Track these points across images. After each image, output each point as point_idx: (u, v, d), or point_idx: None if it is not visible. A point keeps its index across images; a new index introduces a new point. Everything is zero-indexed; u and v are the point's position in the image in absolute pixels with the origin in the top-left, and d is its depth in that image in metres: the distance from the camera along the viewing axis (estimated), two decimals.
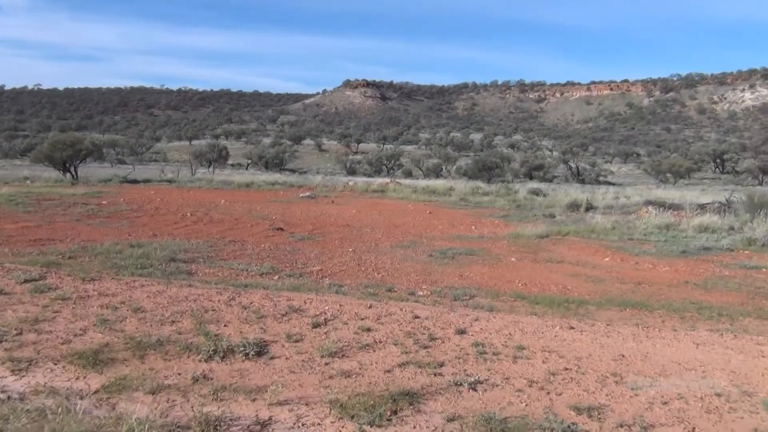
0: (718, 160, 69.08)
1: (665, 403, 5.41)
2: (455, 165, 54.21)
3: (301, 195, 26.02)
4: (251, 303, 8.03)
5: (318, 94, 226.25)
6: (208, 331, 6.75)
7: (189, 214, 17.92)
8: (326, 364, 6.07)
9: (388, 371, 5.93)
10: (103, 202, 20.19)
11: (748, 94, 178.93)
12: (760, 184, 51.49)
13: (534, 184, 37.87)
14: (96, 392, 5.23)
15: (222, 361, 6.04)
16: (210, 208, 19.99)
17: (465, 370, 5.99)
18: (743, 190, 30.03)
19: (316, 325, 7.21)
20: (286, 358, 6.20)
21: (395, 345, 6.64)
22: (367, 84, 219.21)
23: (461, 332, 7.14)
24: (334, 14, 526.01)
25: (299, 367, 5.97)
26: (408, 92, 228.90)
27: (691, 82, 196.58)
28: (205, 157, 50.34)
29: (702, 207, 21.49)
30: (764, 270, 12.37)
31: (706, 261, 13.34)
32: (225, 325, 7.11)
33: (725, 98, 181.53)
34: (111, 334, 6.66)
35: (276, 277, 10.12)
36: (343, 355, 6.31)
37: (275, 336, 6.82)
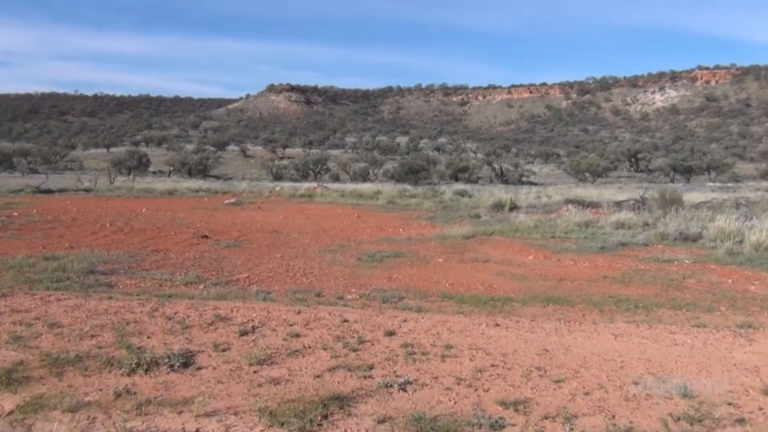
0: (632, 159, 72.14)
1: (587, 393, 5.61)
2: (382, 168, 54.51)
3: (226, 202, 25.57)
4: (176, 313, 7.83)
5: (242, 99, 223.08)
6: (130, 344, 6.53)
7: (108, 224, 17.30)
8: (255, 372, 5.98)
9: (318, 376, 5.90)
10: (15, 214, 19.22)
11: (658, 96, 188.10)
12: (672, 181, 54.17)
13: (460, 186, 38.51)
14: (10, 413, 4.97)
15: (146, 374, 5.86)
16: (131, 217, 19.36)
17: (395, 372, 6.04)
18: (656, 187, 31.48)
19: (243, 333, 7.10)
20: (214, 368, 6.07)
21: (325, 349, 6.62)
22: (292, 88, 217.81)
23: (390, 334, 7.19)
24: (257, 18, 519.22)
25: (227, 377, 5.86)
26: (333, 96, 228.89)
27: (605, 84, 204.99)
28: (124, 164, 48.76)
29: (618, 204, 22.38)
30: (676, 263, 13.01)
31: (623, 256, 13.90)
32: (148, 337, 6.90)
33: (637, 100, 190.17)
34: (25, 351, 6.35)
35: (201, 286, 9.90)
36: (272, 362, 6.23)
37: (201, 346, 6.68)
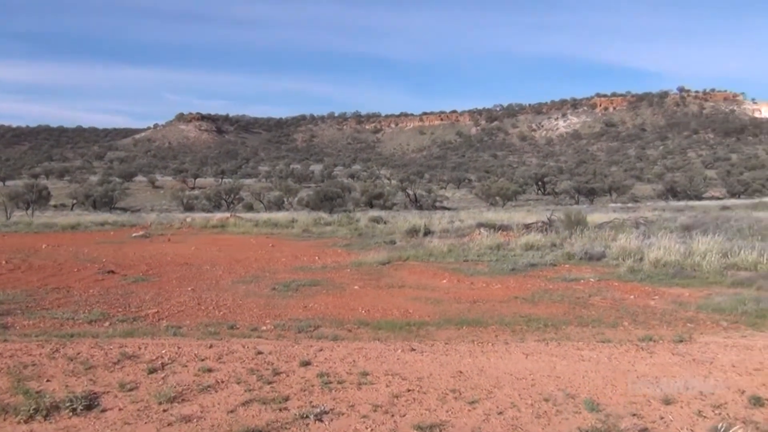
0: (539, 183, 75.03)
1: (500, 413, 5.72)
2: (297, 197, 54.23)
3: (134, 234, 24.65)
4: (78, 353, 7.43)
5: (149, 128, 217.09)
6: (27, 388, 6.14)
7: (4, 262, 16.29)
8: (164, 410, 5.75)
9: (232, 411, 5.74)
10: None
11: (561, 122, 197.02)
12: (577, 203, 56.58)
13: (375, 212, 38.77)
14: None
15: (45, 419, 5.51)
16: (29, 254, 18.32)
17: (311, 402, 5.95)
18: (562, 209, 32.77)
19: (152, 371, 6.82)
20: (120, 409, 5.79)
21: (238, 383, 6.45)
22: (202, 117, 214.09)
23: (306, 364, 7.10)
24: (163, 46, 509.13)
25: (134, 417, 5.60)
26: (245, 125, 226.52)
27: (512, 111, 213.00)
28: (22, 198, 46.16)
29: (527, 227, 23.11)
30: (582, 281, 13.54)
31: (533, 276, 14.35)
32: (48, 380, 6.51)
33: (542, 126, 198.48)
34: None
35: (107, 324, 9.45)
36: (182, 400, 6.01)
37: (107, 386, 6.36)
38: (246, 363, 7.14)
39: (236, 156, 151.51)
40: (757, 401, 5.99)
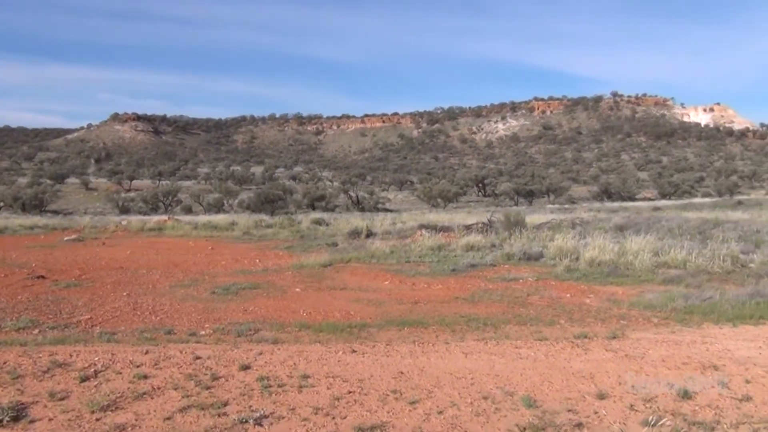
0: (480, 185, 76.10)
1: (440, 412, 5.77)
2: (237, 199, 53.39)
3: (66, 238, 23.79)
4: (5, 363, 7.12)
5: (83, 128, 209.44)
6: None
7: None
8: (97, 419, 5.57)
9: (168, 418, 5.60)
10: None
11: (500, 125, 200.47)
12: (516, 204, 57.70)
13: (317, 214, 38.56)
14: None
15: None
16: None
17: (250, 406, 5.87)
18: (502, 210, 33.35)
19: (84, 379, 6.59)
20: (50, 419, 5.58)
21: (175, 389, 6.30)
22: (138, 118, 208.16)
23: (245, 368, 6.99)
24: (96, 44, 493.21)
25: (65, 427, 5.40)
26: (183, 126, 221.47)
27: (452, 114, 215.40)
28: None
29: (468, 228, 23.41)
30: (521, 281, 13.81)
31: (473, 277, 14.55)
32: None
33: (482, 129, 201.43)
34: None
35: (36, 331, 9.09)
36: (116, 408, 5.83)
37: (36, 396, 6.11)
38: (184, 368, 6.98)
39: (174, 157, 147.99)
40: (685, 394, 6.23)
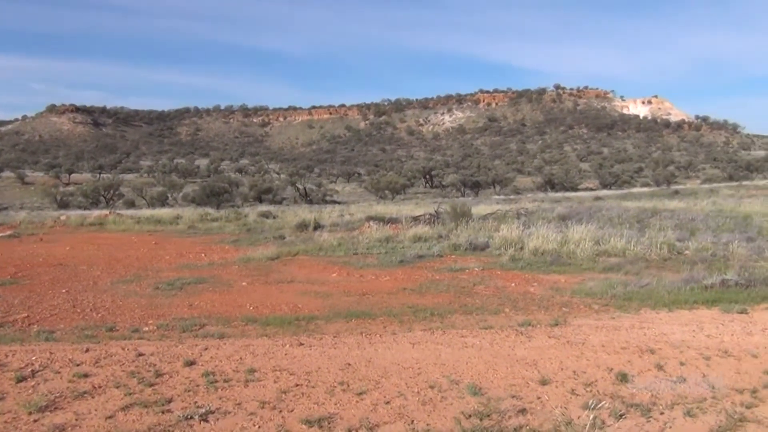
0: (427, 176, 76.60)
1: (388, 402, 5.82)
2: (182, 192, 52.39)
3: (0, 235, 22.92)
4: None
5: (17, 120, 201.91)
6: None
7: None
8: (35, 421, 5.41)
9: (110, 417, 5.48)
10: None
11: (447, 117, 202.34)
12: (462, 195, 58.34)
13: (264, 207, 38.12)
14: None
15: None
16: None
17: (195, 402, 5.80)
18: (449, 201, 33.68)
19: (21, 379, 6.38)
20: None
21: (117, 387, 6.17)
22: (77, 109, 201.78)
23: (190, 363, 6.89)
24: (28, 33, 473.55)
25: (0, 430, 5.22)
26: (124, 118, 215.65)
27: (399, 106, 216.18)
28: None
29: (416, 219, 23.55)
30: (467, 271, 13.99)
31: (421, 268, 14.66)
32: None
33: (429, 121, 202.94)
34: None
35: None
36: (55, 408, 5.67)
37: None
38: (126, 366, 6.83)
39: (115, 150, 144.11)
40: (623, 378, 6.45)
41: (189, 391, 6.11)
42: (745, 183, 55.81)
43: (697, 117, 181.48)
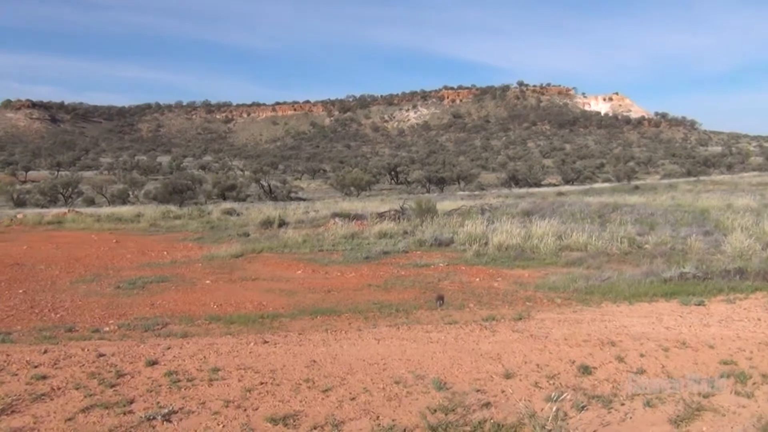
0: (392, 173, 76.77)
1: (353, 398, 5.81)
2: (143, 189, 51.56)
3: None
4: None
5: None
6: None
7: None
8: None
9: (70, 419, 5.36)
10: None
11: (412, 114, 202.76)
12: (428, 191, 58.55)
13: (228, 204, 37.72)
14: None
15: None
16: None
17: (158, 403, 5.71)
18: (414, 197, 33.75)
19: None
20: None
21: (77, 389, 6.03)
22: (33, 105, 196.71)
23: (153, 363, 6.78)
24: None
25: None
26: (83, 113, 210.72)
27: (364, 102, 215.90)
28: None
29: (381, 215, 23.56)
30: (432, 267, 14.07)
31: (386, 264, 14.69)
32: None
33: (394, 117, 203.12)
34: None
35: None
36: (12, 411, 5.52)
37: None
38: (86, 367, 6.69)
39: (74, 147, 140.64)
40: (585, 370, 6.55)
41: (151, 391, 6.01)
42: (702, 178, 57.17)
43: (656, 114, 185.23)
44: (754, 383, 6.17)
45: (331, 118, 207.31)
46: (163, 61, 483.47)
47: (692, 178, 57.84)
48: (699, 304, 9.69)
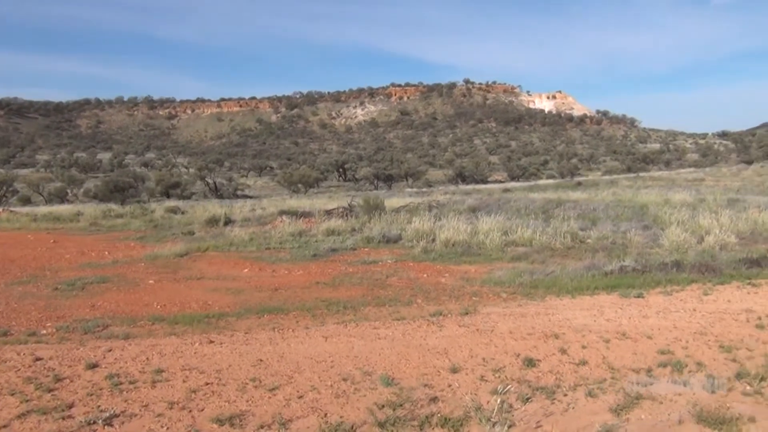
0: (340, 170, 76.65)
1: (301, 396, 5.78)
2: (83, 188, 50.12)
3: None
4: None
5: None
6: None
7: None
8: None
9: (5, 426, 5.16)
10: None
11: (359, 111, 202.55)
12: (376, 188, 58.70)
13: (172, 203, 37.04)
14: None
15: None
16: None
17: (99, 406, 5.55)
18: (362, 195, 33.78)
19: None
20: None
21: (12, 395, 5.81)
22: None
23: (93, 366, 6.59)
24: None
25: None
26: (18, 109, 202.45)
27: (312, 99, 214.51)
28: None
29: (329, 213, 23.50)
30: (380, 263, 14.10)
31: (334, 261, 14.65)
32: None
33: (342, 114, 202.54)
34: None
35: None
36: None
37: None
38: (22, 372, 6.45)
39: (8, 144, 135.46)
40: (529, 362, 6.68)
41: (91, 395, 5.84)
42: (642, 174, 59.08)
43: (598, 111, 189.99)
44: (689, 371, 6.40)
45: (278, 115, 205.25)
46: (102, 55, 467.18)
47: (632, 175, 59.66)
48: (638, 297, 9.99)
